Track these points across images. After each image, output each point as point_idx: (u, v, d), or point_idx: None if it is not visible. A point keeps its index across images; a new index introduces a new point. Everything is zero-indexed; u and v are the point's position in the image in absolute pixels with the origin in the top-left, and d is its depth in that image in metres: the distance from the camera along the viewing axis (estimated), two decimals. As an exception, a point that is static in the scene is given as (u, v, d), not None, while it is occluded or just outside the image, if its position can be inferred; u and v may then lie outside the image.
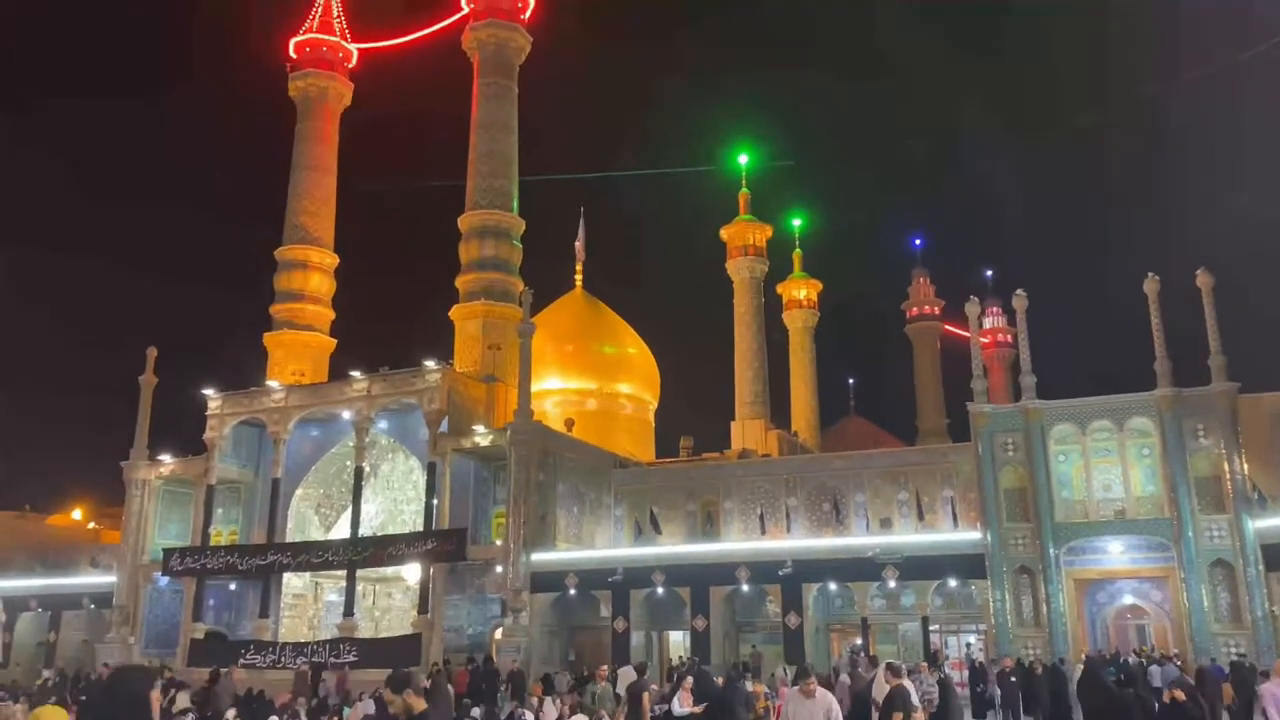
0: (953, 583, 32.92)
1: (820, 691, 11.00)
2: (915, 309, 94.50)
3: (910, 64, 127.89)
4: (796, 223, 69.37)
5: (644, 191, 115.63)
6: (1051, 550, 31.31)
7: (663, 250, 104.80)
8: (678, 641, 39.00)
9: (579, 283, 62.63)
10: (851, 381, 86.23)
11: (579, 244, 63.93)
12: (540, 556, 37.44)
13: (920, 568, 32.43)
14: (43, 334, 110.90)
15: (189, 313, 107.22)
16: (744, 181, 61.84)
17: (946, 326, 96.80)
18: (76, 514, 65.41)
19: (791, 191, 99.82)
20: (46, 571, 48.69)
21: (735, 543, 36.17)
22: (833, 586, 34.37)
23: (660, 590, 35.54)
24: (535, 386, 44.53)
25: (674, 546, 36.94)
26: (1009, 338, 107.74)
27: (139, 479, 45.13)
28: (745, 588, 34.65)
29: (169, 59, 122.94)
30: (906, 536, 33.85)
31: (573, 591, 36.92)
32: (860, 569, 33.01)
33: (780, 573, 33.38)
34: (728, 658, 34.88)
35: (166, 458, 45.23)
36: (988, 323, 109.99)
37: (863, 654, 31.87)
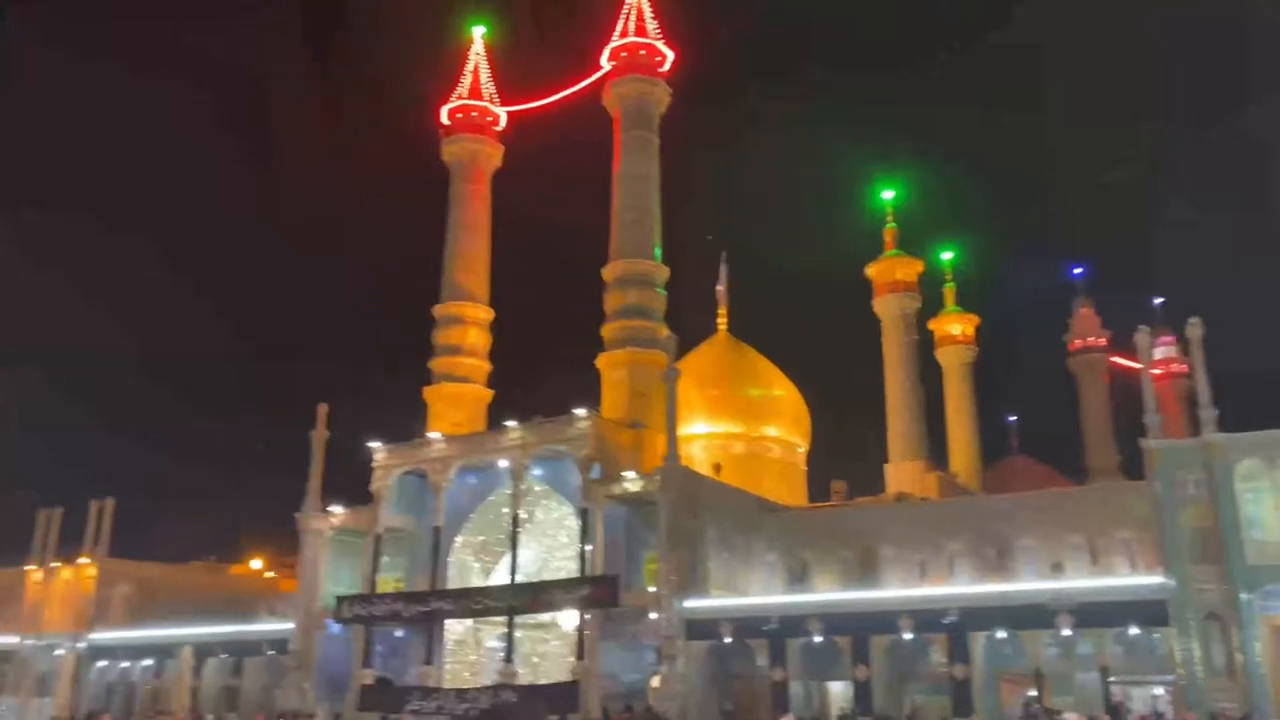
0: (1134, 631, 30.75)
1: None
2: (1079, 341, 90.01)
3: (1060, 83, 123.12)
4: (947, 256, 67.48)
5: (786, 232, 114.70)
6: (1244, 595, 28.90)
7: (808, 290, 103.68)
8: (838, 692, 37.92)
9: (722, 326, 62.65)
10: (1013, 419, 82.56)
11: (721, 288, 64.10)
12: (693, 604, 37.17)
13: (1097, 615, 30.49)
14: (222, 392, 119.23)
15: (354, 369, 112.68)
16: (889, 217, 60.71)
17: (1113, 358, 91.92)
18: (256, 564, 69.26)
19: (940, 225, 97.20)
20: (231, 619, 51.55)
21: (896, 590, 34.96)
22: (1001, 635, 32.64)
23: (818, 639, 34.64)
24: (682, 431, 44.65)
25: (831, 594, 36.04)
26: (1184, 368, 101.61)
27: (312, 529, 47.40)
28: (908, 636, 33.37)
29: (328, 127, 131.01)
30: (1081, 581, 31.92)
31: (728, 640, 36.42)
32: (1031, 616, 31.31)
33: (944, 621, 32.03)
34: (891, 710, 33.65)
35: (337, 508, 47.34)
36: (1159, 353, 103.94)
37: (1038, 706, 30.16)
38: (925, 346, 64.71)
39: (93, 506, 56.46)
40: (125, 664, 53.47)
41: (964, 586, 34.09)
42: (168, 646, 49.98)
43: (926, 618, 32.79)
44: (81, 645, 54.04)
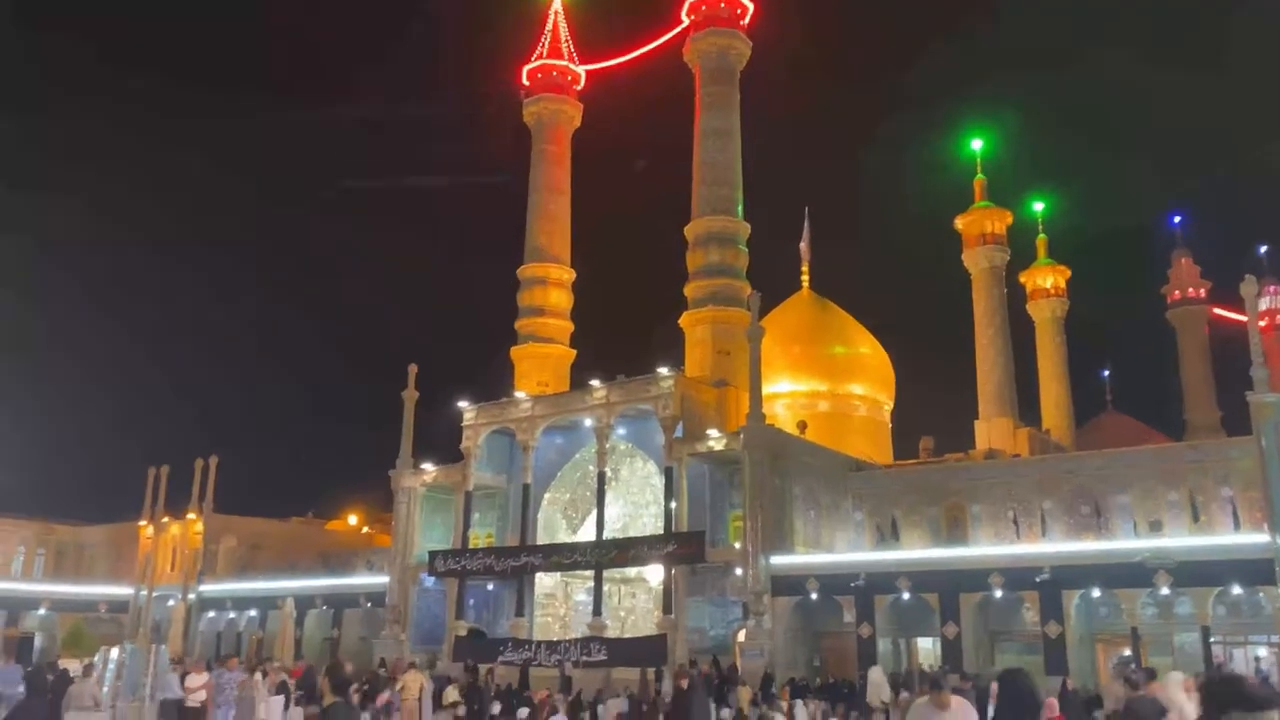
0: (1236, 590, 29.88)
1: (957, 702, 9.34)
2: (1177, 293, 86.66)
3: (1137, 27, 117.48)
4: (1038, 206, 65.42)
5: (870, 186, 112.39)
6: (1355, 554, 27.83)
7: (896, 244, 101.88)
8: (927, 649, 37.75)
9: (806, 283, 61.94)
10: (1106, 374, 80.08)
11: (804, 244, 63.25)
12: (779, 560, 37.29)
13: (1197, 573, 29.71)
14: (318, 355, 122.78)
15: (443, 330, 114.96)
16: (979, 167, 59.06)
17: (1215, 310, 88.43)
18: (352, 519, 71.55)
19: (1031, 174, 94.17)
20: (329, 573, 53.51)
21: (987, 547, 34.47)
22: (1096, 593, 32.05)
23: (906, 596, 34.50)
24: (765, 389, 44.33)
25: (919, 551, 35.71)
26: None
27: (405, 487, 48.74)
28: (999, 594, 33.01)
29: (413, 89, 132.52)
30: (1180, 540, 31.05)
31: (814, 596, 36.51)
32: (1128, 575, 30.65)
33: (1037, 579, 31.55)
34: (982, 667, 33.37)
35: (429, 466, 48.58)
36: (1264, 303, 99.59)
37: (1134, 666, 29.59)
38: (1015, 302, 63.12)
39: (198, 464, 58.96)
40: (232, 614, 56.01)
41: (1058, 544, 33.39)
42: (271, 598, 52.13)
43: (1019, 575, 32.36)
44: (191, 596, 56.77)
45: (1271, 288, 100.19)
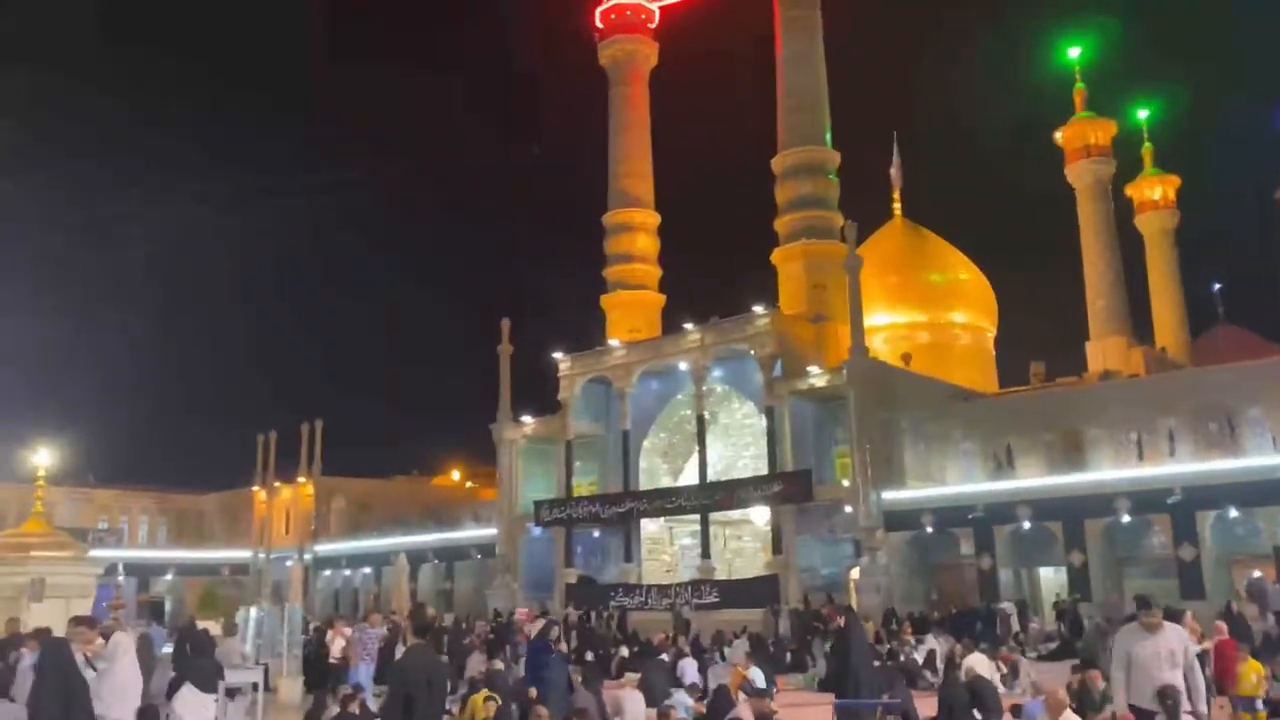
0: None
1: (1169, 627, 9.05)
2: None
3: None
4: (1143, 114, 61.95)
5: (961, 104, 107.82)
6: None
7: (989, 165, 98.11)
8: (1049, 578, 36.68)
9: (898, 211, 59.94)
10: (1218, 287, 76.21)
11: (894, 170, 61.08)
12: (892, 495, 36.48)
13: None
14: (413, 311, 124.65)
15: (531, 281, 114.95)
16: (1078, 76, 56.05)
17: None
18: (455, 475, 72.81)
19: (1134, 80, 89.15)
20: (439, 527, 54.48)
21: (1111, 471, 33.04)
22: (1233, 513, 30.50)
23: (1026, 525, 33.40)
24: (864, 323, 43.31)
25: (1039, 479, 34.43)
26: None
27: (506, 439, 49.11)
28: (1126, 519, 31.69)
29: (482, 38, 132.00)
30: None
31: (930, 530, 35.66)
32: (1267, 492, 29.06)
33: (1169, 501, 30.15)
34: (1110, 596, 32.21)
35: (527, 418, 48.81)
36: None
37: (1274, 584, 28.17)
38: (1122, 215, 60.17)
39: (303, 428, 60.40)
40: (347, 572, 57.63)
41: (1186, 464, 31.79)
42: (384, 555, 53.38)
43: (1147, 498, 31.00)
44: (307, 557, 58.51)
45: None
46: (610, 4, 56.78)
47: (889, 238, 57.46)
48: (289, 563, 59.30)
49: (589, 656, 25.47)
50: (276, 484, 61.43)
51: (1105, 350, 49.82)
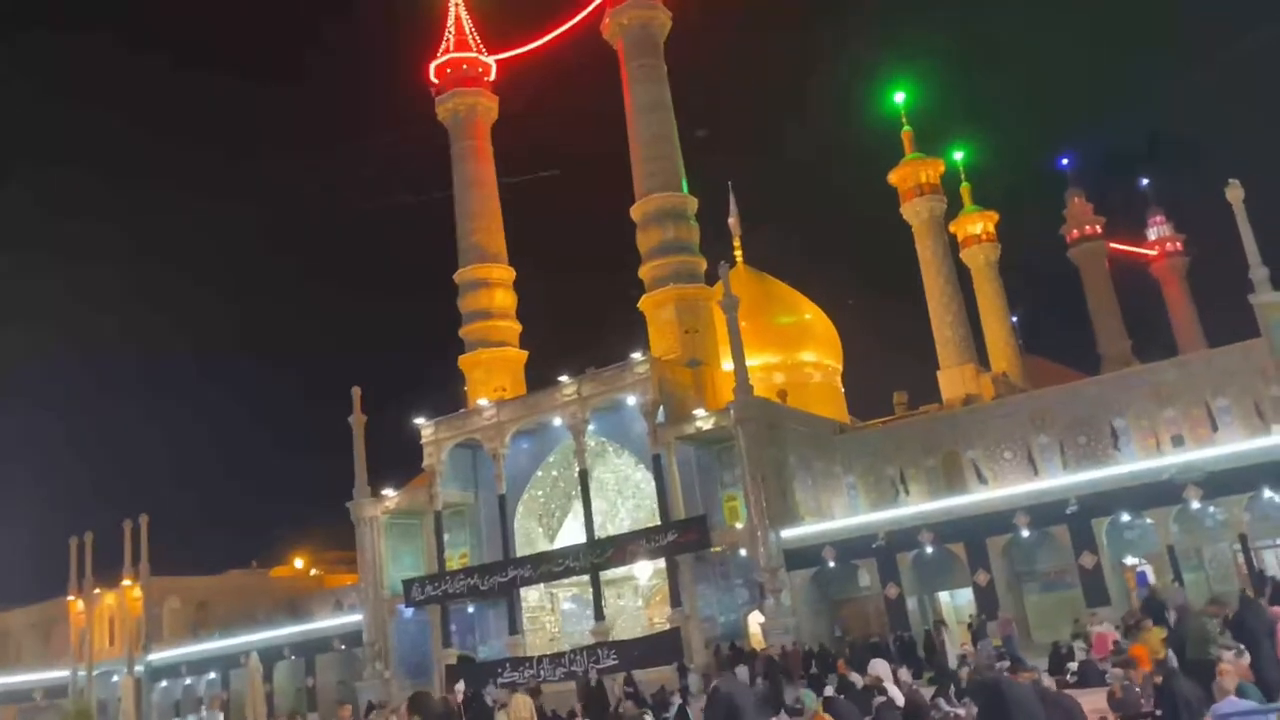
0: (1268, 494, 29.63)
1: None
2: (1076, 231, 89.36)
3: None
4: (958, 155, 65.84)
5: (791, 150, 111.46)
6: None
7: (825, 206, 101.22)
8: (947, 602, 36.95)
9: (739, 258, 60.87)
10: (1015, 319, 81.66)
11: (732, 220, 62.15)
12: (790, 533, 35.91)
13: (1226, 483, 29.38)
14: (238, 396, 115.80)
15: (377, 349, 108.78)
16: (904, 120, 58.88)
17: (1111, 244, 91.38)
18: (298, 563, 67.49)
19: (951, 120, 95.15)
20: (294, 619, 49.94)
21: (1011, 488, 33.71)
22: (1125, 517, 31.60)
23: (930, 549, 33.52)
24: (724, 367, 43.12)
25: (941, 502, 34.73)
26: (1178, 246, 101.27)
27: (366, 516, 45.59)
28: (1025, 534, 32.30)
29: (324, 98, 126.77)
30: (1203, 451, 30.70)
31: (832, 564, 35.27)
32: (1155, 494, 30.22)
33: (1067, 511, 30.90)
34: (1013, 610, 32.66)
35: (389, 491, 45.61)
36: (1152, 233, 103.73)
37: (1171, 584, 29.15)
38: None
39: (126, 526, 54.31)
40: (188, 680, 51.84)
41: (1080, 474, 32.82)
42: (231, 656, 48.36)
43: (1044, 511, 31.70)
44: (138, 668, 52.28)
45: (1156, 218, 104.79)
46: (444, 59, 55.33)
47: (735, 284, 57.78)
48: (115, 677, 52.92)
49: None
50: (96, 590, 54.84)
51: (954, 378, 51.73)
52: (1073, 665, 20.91)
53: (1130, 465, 31.66)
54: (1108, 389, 37.25)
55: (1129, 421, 36.00)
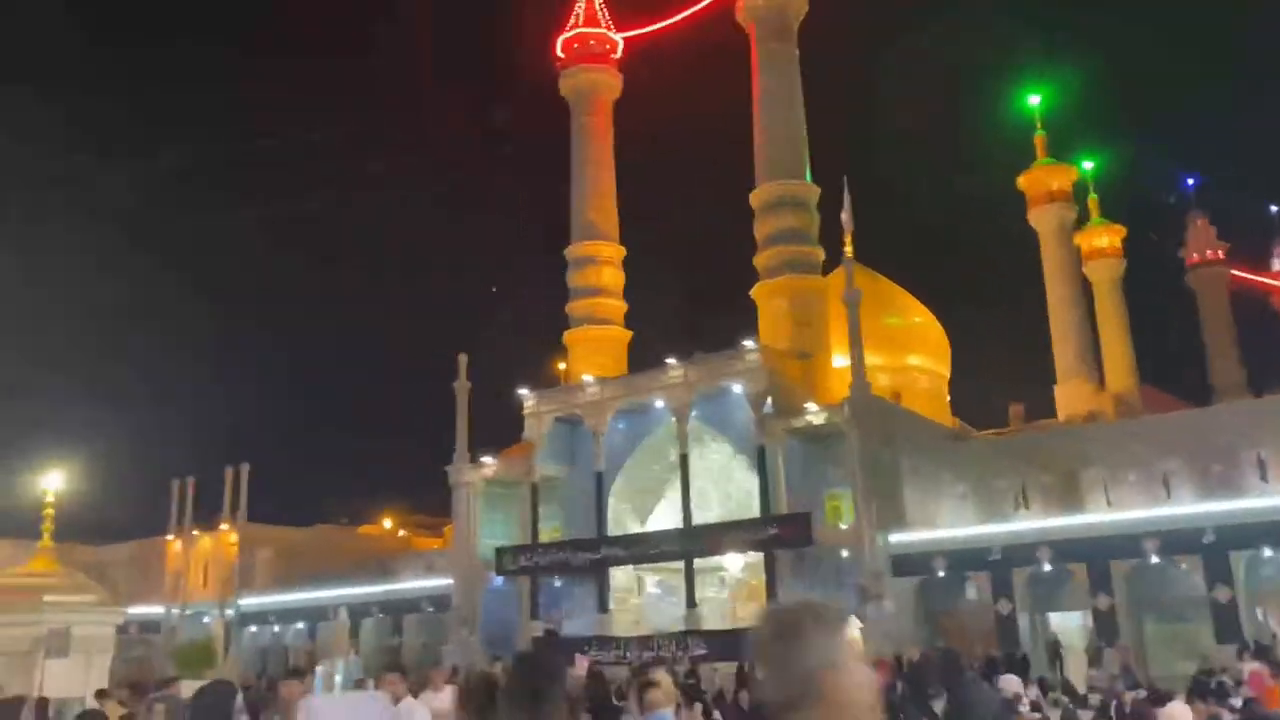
0: None
1: None
2: (1196, 255, 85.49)
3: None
4: (1088, 165, 63.29)
5: (914, 149, 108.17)
6: None
7: (946, 208, 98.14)
8: (1057, 623, 35.42)
9: (850, 254, 59.40)
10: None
11: (845, 215, 60.70)
12: (899, 538, 34.81)
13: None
14: (343, 359, 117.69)
15: (485, 319, 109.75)
16: (1038, 124, 56.82)
17: (1234, 272, 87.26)
18: (387, 523, 68.37)
19: (1087, 128, 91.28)
20: (384, 578, 50.45)
21: (1138, 510, 32.07)
22: (1268, 553, 29.79)
23: (1047, 567, 32.11)
24: (832, 363, 42.08)
25: (1064, 519, 33.23)
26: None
27: (464, 482, 45.77)
28: (1154, 560, 30.70)
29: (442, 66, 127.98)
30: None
31: (941, 574, 34.07)
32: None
33: (1204, 540, 29.24)
34: (1132, 639, 31.09)
35: (488, 459, 45.68)
36: (1278, 264, 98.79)
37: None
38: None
39: (228, 473, 55.61)
40: (276, 628, 52.80)
41: (1218, 503, 31.01)
42: (319, 608, 49.04)
43: (1177, 539, 30.07)
44: (229, 612, 53.50)
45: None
46: (572, 33, 55.13)
47: (843, 281, 56.70)
48: (206, 619, 54.28)
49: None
50: (195, 532, 56.28)
51: (1071, 394, 49.77)
52: (1235, 702, 19.53)
53: (1273, 500, 29.74)
54: (1243, 417, 35.18)
55: (1272, 453, 33.91)
